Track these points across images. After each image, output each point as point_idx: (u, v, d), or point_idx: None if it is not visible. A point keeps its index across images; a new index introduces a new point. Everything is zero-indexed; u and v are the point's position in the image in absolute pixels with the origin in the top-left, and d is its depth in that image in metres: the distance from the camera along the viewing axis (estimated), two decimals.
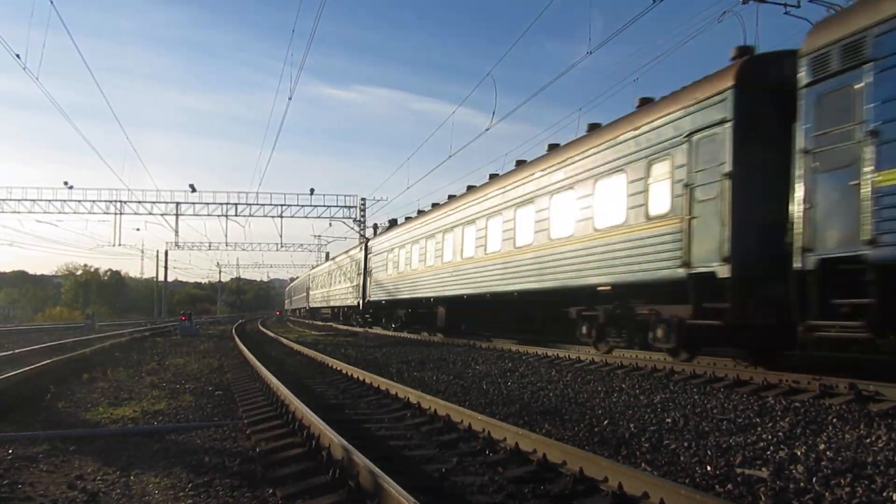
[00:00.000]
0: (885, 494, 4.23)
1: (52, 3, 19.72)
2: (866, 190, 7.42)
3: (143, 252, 71.26)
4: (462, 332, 21.70)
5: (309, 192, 43.87)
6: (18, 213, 41.76)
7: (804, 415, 6.73)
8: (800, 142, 8.35)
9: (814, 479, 4.53)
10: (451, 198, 22.98)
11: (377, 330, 31.01)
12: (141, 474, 5.11)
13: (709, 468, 4.95)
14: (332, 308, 45.60)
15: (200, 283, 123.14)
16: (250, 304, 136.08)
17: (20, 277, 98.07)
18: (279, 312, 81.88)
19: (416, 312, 25.78)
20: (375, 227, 42.83)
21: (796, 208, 8.33)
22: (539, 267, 14.95)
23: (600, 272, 12.46)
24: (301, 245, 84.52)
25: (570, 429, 6.54)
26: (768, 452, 5.35)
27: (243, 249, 65.35)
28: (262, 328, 37.37)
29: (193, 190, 43.14)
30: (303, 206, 43.90)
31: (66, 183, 41.31)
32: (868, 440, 5.60)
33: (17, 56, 18.10)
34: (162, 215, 43.80)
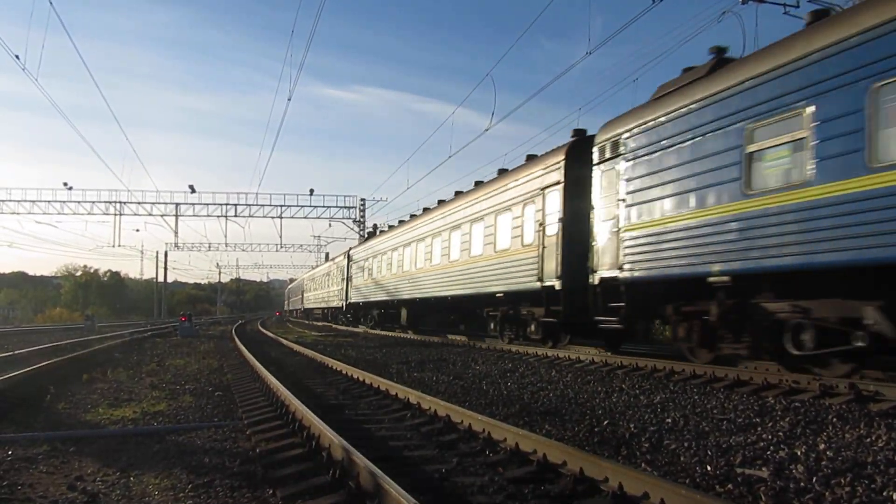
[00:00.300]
0: (885, 494, 4.23)
1: (51, 3, 19.75)
2: (620, 236, 11.36)
3: (142, 253, 71.40)
4: (422, 328, 25.65)
5: (308, 193, 44.11)
6: (18, 213, 41.84)
7: (804, 415, 6.73)
8: (594, 201, 12.37)
9: (814, 479, 4.53)
10: (413, 216, 27.13)
11: (362, 328, 32.03)
12: (141, 475, 5.11)
13: (709, 468, 4.95)
14: (323, 309, 48.80)
15: (200, 283, 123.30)
16: (250, 304, 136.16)
17: (20, 278, 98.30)
18: (279, 313, 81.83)
19: (386, 312, 29.76)
20: (375, 227, 42.90)
21: (591, 243, 12.27)
22: (464, 277, 19.15)
23: (498, 283, 16.59)
24: (301, 246, 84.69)
25: (571, 429, 6.54)
26: (768, 452, 5.35)
27: (243, 250, 65.49)
28: (261, 329, 37.34)
29: (193, 191, 43.28)
30: (302, 206, 44.07)
31: (65, 184, 41.51)
32: (868, 440, 5.60)
33: (17, 57, 18.10)
34: (162, 216, 43.95)
